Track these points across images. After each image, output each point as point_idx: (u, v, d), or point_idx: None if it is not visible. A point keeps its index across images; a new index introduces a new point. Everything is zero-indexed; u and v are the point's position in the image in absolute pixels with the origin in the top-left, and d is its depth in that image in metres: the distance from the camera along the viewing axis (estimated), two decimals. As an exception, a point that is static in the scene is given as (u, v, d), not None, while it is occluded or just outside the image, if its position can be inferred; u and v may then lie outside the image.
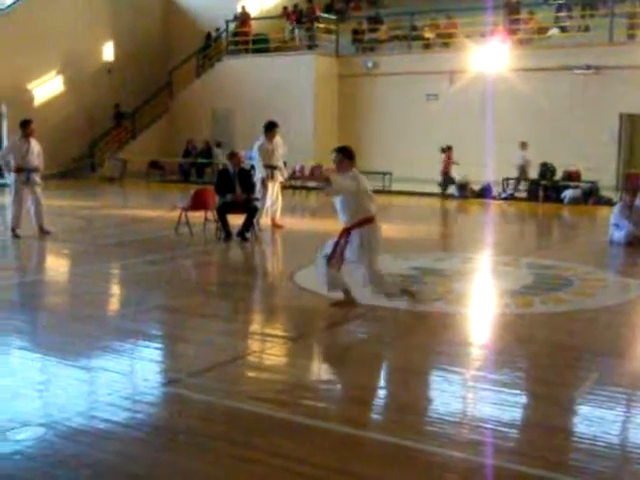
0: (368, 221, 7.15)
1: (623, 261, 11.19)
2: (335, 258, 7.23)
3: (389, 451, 4.20)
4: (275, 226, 13.32)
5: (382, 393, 5.42)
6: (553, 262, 10.30)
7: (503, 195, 19.73)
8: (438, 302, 7.78)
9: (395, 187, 20.73)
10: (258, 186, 12.88)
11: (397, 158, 21.99)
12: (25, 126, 12.16)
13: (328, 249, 7.30)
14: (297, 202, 19.51)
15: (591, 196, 18.62)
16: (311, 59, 24.56)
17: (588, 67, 20.75)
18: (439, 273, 9.25)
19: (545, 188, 19.43)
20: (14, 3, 24.99)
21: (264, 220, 13.18)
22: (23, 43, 24.32)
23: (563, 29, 22.65)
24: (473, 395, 5.26)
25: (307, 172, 22.59)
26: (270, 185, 13.21)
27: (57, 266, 10.77)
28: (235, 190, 11.79)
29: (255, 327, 7.27)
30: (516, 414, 4.87)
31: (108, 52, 27.73)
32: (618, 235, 11.75)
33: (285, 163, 14.46)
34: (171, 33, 29.21)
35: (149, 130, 27.39)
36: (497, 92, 21.15)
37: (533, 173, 19.85)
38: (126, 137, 27.17)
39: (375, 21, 25.95)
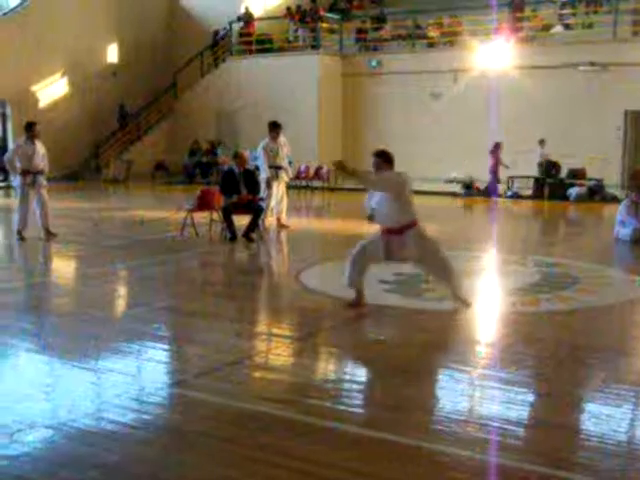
0: (415, 224, 7.17)
1: (629, 258, 11.16)
2: (369, 257, 7.25)
3: (397, 450, 4.20)
4: (281, 226, 13.32)
5: (389, 392, 5.41)
6: (559, 260, 10.29)
7: (509, 193, 19.71)
8: (444, 301, 7.77)
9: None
10: (263, 186, 12.89)
11: (402, 157, 21.71)
12: (30, 128, 12.17)
13: (363, 247, 7.28)
14: (303, 202, 19.51)
15: (597, 193, 18.61)
16: (315, 59, 24.56)
17: (592, 64, 20.70)
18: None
19: (550, 186, 19.41)
20: (19, 5, 25.06)
21: (269, 220, 13.19)
22: (28, 45, 24.40)
23: (567, 26, 22.61)
24: (480, 393, 5.26)
25: (312, 172, 22.67)
26: (275, 185, 13.22)
27: (63, 268, 10.80)
28: (240, 191, 11.80)
29: (262, 327, 7.28)
30: (523, 412, 4.87)
31: (112, 54, 27.77)
32: (624, 232, 11.72)
33: (291, 162, 14.45)
34: (175, 34, 29.23)
35: (154, 131, 27.43)
36: (501, 90, 21.11)
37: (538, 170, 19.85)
38: (131, 139, 27.20)
39: (379, 20, 25.94)
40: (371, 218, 7.34)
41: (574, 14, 23.05)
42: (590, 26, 22.41)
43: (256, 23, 27.01)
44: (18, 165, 12.11)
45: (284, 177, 13.48)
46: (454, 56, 22.71)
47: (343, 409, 4.87)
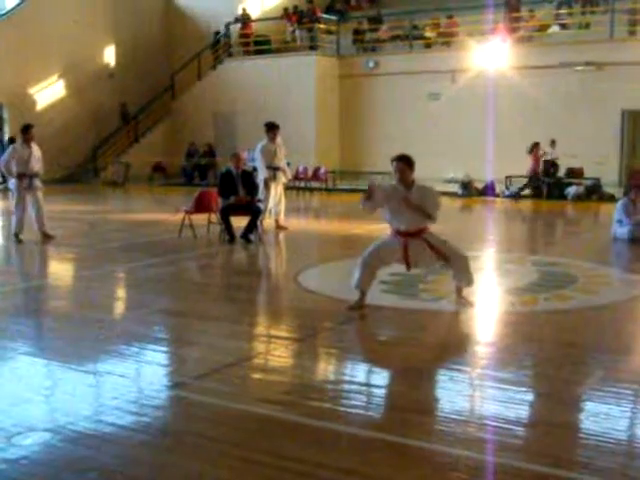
0: (428, 227, 7.25)
1: (627, 257, 11.17)
2: (382, 260, 7.28)
3: (396, 451, 4.20)
4: (279, 227, 13.32)
5: (388, 392, 5.41)
6: (557, 259, 10.30)
7: (506, 193, 19.72)
8: (442, 301, 7.78)
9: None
10: (261, 187, 12.88)
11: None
12: (26, 131, 12.16)
13: (377, 249, 7.28)
14: (301, 203, 19.51)
15: (594, 192, 18.65)
16: (312, 60, 24.57)
17: (589, 64, 20.72)
18: (443, 271, 9.23)
19: (548, 185, 19.44)
20: (15, 7, 25.05)
21: (267, 221, 13.18)
22: (24, 47, 24.39)
23: (564, 26, 22.63)
24: (479, 393, 5.25)
25: (310, 173, 22.70)
26: (273, 186, 13.21)
27: (61, 270, 10.78)
28: (238, 192, 11.80)
29: (260, 329, 7.27)
30: (522, 412, 4.87)
31: (109, 56, 27.77)
32: (621, 231, 11.74)
33: (289, 164, 14.45)
34: (172, 36, 29.25)
35: (151, 133, 27.42)
36: (499, 90, 21.15)
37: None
38: (128, 141, 27.19)
39: (376, 21, 25.95)
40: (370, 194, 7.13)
41: (570, 14, 23.07)
42: (586, 26, 22.45)
43: (253, 24, 27.02)
44: (14, 169, 12.10)
45: (282, 178, 13.47)
46: (451, 56, 22.74)
47: (342, 410, 4.86)
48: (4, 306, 7.97)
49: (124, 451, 4.22)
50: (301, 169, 22.39)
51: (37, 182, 12.27)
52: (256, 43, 26.51)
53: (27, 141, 12.14)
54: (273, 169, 13.17)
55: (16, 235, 12.16)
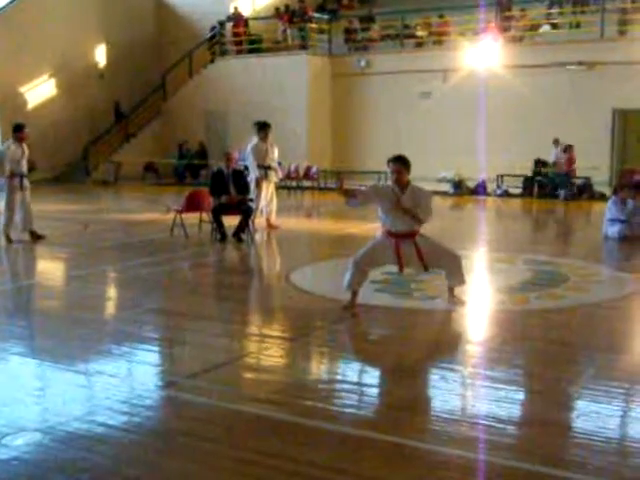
0: (419, 229, 7.27)
1: (618, 256, 11.20)
2: (375, 262, 7.29)
3: (388, 450, 4.20)
4: (270, 227, 13.30)
5: (380, 391, 5.42)
6: (549, 258, 10.32)
7: (498, 192, 19.76)
8: (434, 300, 7.78)
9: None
10: (252, 187, 12.86)
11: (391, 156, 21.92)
12: (19, 130, 12.08)
13: (369, 251, 7.28)
14: (293, 202, 19.50)
15: (585, 192, 18.70)
16: (304, 59, 24.54)
17: (580, 63, 20.77)
18: (434, 270, 9.23)
19: (540, 184, 19.48)
20: (6, 6, 24.93)
21: (259, 221, 13.17)
22: (14, 46, 24.28)
23: (554, 26, 22.67)
24: (471, 392, 5.26)
25: (302, 172, 22.69)
26: (264, 185, 13.19)
27: (52, 270, 10.74)
28: (229, 191, 11.78)
29: (252, 328, 7.26)
30: (514, 411, 4.87)
31: (100, 55, 27.67)
32: (612, 230, 11.78)
33: (280, 163, 14.43)
34: (163, 35, 29.16)
35: (142, 133, 27.34)
36: (490, 89, 21.17)
37: (528, 170, 19.91)
38: (120, 140, 27.11)
39: (367, 20, 25.95)
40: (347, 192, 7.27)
41: (561, 14, 23.12)
42: (577, 25, 22.49)
43: (245, 23, 26.97)
44: (8, 167, 12.01)
45: (273, 177, 13.46)
46: (443, 56, 22.75)
47: (334, 409, 4.86)
48: (-5, 306, 7.94)
49: (115, 451, 4.20)
50: (293, 168, 22.38)
51: (26, 182, 12.22)
52: (247, 42, 26.46)
53: (20, 140, 12.07)
54: (264, 168, 13.15)
55: (6, 235, 12.09)
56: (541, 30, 22.70)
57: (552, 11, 23.03)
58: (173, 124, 27.00)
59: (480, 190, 19.83)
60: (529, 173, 19.93)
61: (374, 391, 5.44)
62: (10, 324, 7.16)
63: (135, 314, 7.38)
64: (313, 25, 25.58)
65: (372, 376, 5.86)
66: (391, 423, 4.61)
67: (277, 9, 26.99)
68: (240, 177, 12.10)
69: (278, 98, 23.93)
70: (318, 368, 6.04)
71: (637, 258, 10.92)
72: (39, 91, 25.71)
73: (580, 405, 4.92)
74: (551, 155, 19.72)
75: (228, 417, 4.72)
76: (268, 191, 13.32)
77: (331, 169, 23.49)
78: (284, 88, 24.20)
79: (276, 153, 13.35)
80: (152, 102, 27.71)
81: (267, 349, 6.32)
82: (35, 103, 25.49)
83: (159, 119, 27.62)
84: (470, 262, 10.38)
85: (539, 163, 19.81)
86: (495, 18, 22.74)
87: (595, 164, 19.48)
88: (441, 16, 24.28)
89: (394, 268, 7.52)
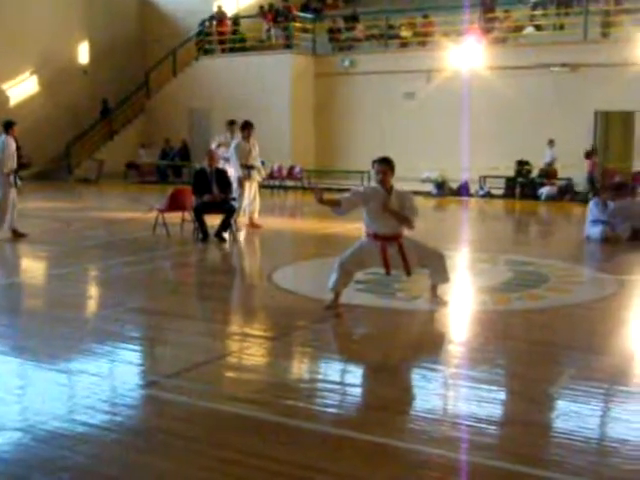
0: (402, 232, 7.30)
1: (599, 257, 11.27)
2: (360, 264, 7.30)
3: (369, 449, 4.21)
4: (253, 226, 13.28)
5: (361, 391, 5.43)
6: (530, 259, 10.36)
7: (480, 193, 19.83)
8: (417, 300, 7.81)
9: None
10: (235, 186, 12.83)
11: (375, 156, 21.93)
12: (10, 127, 11.95)
13: (355, 253, 7.28)
14: (276, 202, 19.49)
15: (567, 193, 18.82)
16: (288, 58, 24.52)
17: (563, 65, 20.87)
18: (417, 270, 9.26)
19: (522, 185, 19.58)
20: (-13, 3, 24.75)
21: (241, 220, 13.15)
22: (-2, 43, 24.10)
23: (538, 27, 22.76)
24: (452, 392, 5.28)
25: (284, 172, 22.68)
26: (247, 185, 13.18)
27: (34, 268, 10.68)
28: (212, 190, 11.75)
29: (234, 327, 7.24)
30: (495, 410, 4.90)
31: (83, 52, 27.51)
32: (594, 231, 11.85)
33: (263, 162, 14.41)
34: (147, 33, 29.03)
35: (125, 131, 27.21)
36: (474, 90, 21.22)
37: (511, 171, 20.00)
38: (103, 138, 26.98)
39: (352, 20, 25.96)
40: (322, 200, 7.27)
41: (545, 15, 23.23)
42: (561, 27, 22.58)
43: (229, 22, 26.91)
44: (9, 163, 11.86)
45: (256, 176, 13.44)
46: (427, 56, 22.78)
47: (316, 409, 4.86)
48: (-25, 304, 7.88)
49: (96, 450, 4.19)
50: (276, 168, 22.37)
51: (17, 179, 12.15)
52: (231, 41, 26.42)
53: (13, 136, 11.96)
54: (247, 167, 13.13)
55: (13, 230, 11.99)
56: (525, 32, 22.79)
57: (536, 13, 23.12)
58: (156, 122, 26.90)
59: (463, 191, 19.90)
60: (512, 174, 20.01)
61: (356, 390, 5.45)
62: (-10, 322, 7.11)
63: (117, 313, 7.35)
64: (297, 24, 25.54)
65: (354, 376, 5.87)
66: (372, 422, 4.62)
67: (261, 8, 26.93)
68: (223, 176, 12.07)
69: (262, 97, 23.90)
70: (300, 367, 6.05)
71: (618, 259, 10.99)
72: (21, 88, 25.52)
73: (560, 405, 4.96)
74: (546, 156, 19.80)
75: (209, 416, 4.72)
76: (251, 190, 13.30)
77: (315, 168, 23.51)
78: (268, 87, 24.16)
79: (257, 151, 13.35)
80: (135, 100, 27.59)
81: (249, 348, 6.31)
82: (17, 100, 25.30)
83: (142, 117, 27.51)
84: (452, 262, 10.40)
85: (522, 164, 19.89)
86: (479, 19, 22.80)
87: (576, 164, 19.60)
88: (425, 16, 24.32)
89: (378, 268, 7.53)
